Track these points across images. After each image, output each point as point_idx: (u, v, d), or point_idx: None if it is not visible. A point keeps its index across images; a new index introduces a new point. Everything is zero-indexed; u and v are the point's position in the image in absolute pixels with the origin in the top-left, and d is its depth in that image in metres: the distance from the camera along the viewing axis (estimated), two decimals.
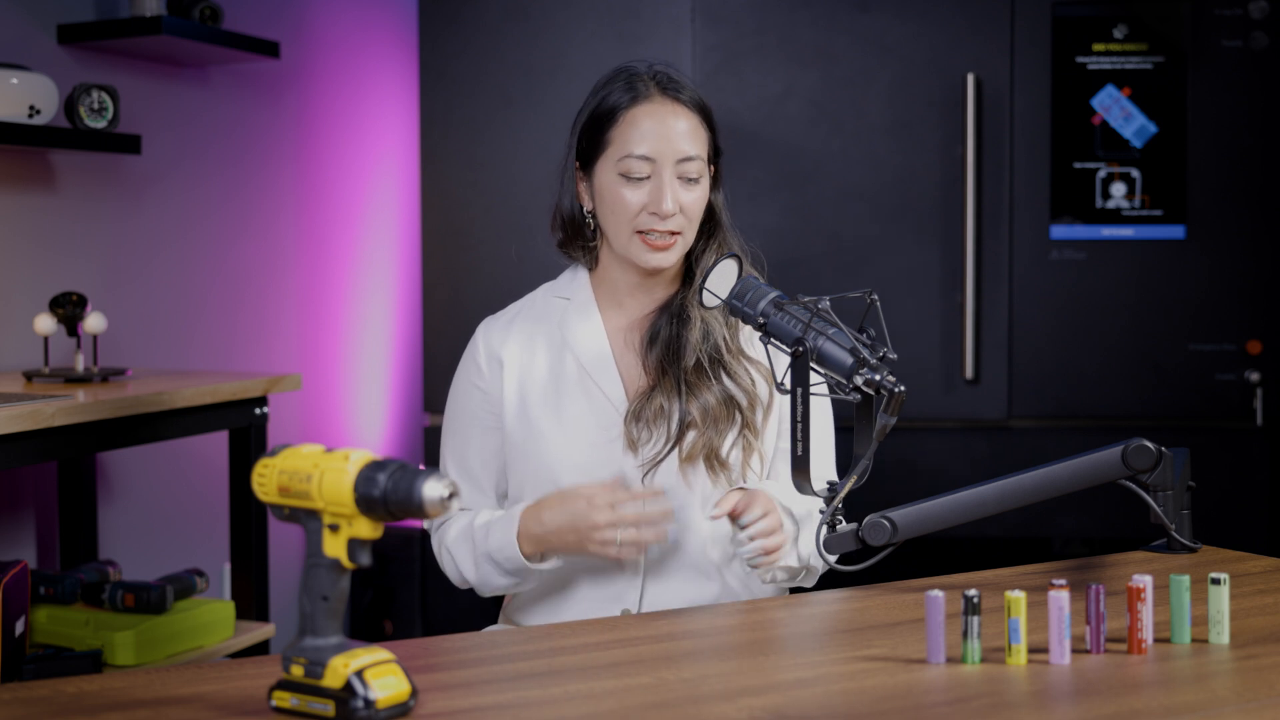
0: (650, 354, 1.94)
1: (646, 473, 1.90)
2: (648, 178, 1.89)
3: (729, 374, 1.93)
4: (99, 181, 3.16)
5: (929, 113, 3.59)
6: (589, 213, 1.97)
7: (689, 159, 1.89)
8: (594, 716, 1.24)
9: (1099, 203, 3.58)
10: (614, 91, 1.93)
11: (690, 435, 1.90)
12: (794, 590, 1.95)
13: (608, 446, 1.91)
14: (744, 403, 1.92)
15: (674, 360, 1.92)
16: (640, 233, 1.89)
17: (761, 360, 1.96)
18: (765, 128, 3.58)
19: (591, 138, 1.94)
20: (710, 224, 1.97)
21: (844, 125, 3.60)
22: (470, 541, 1.92)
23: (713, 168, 1.98)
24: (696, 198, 1.91)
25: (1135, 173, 3.57)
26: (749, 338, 1.99)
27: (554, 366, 1.95)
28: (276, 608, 3.50)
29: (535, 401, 1.94)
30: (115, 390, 2.63)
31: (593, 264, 2.00)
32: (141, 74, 3.25)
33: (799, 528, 1.86)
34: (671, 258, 1.91)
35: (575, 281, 2.00)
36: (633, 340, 1.97)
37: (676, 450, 1.89)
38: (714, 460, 1.90)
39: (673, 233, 1.89)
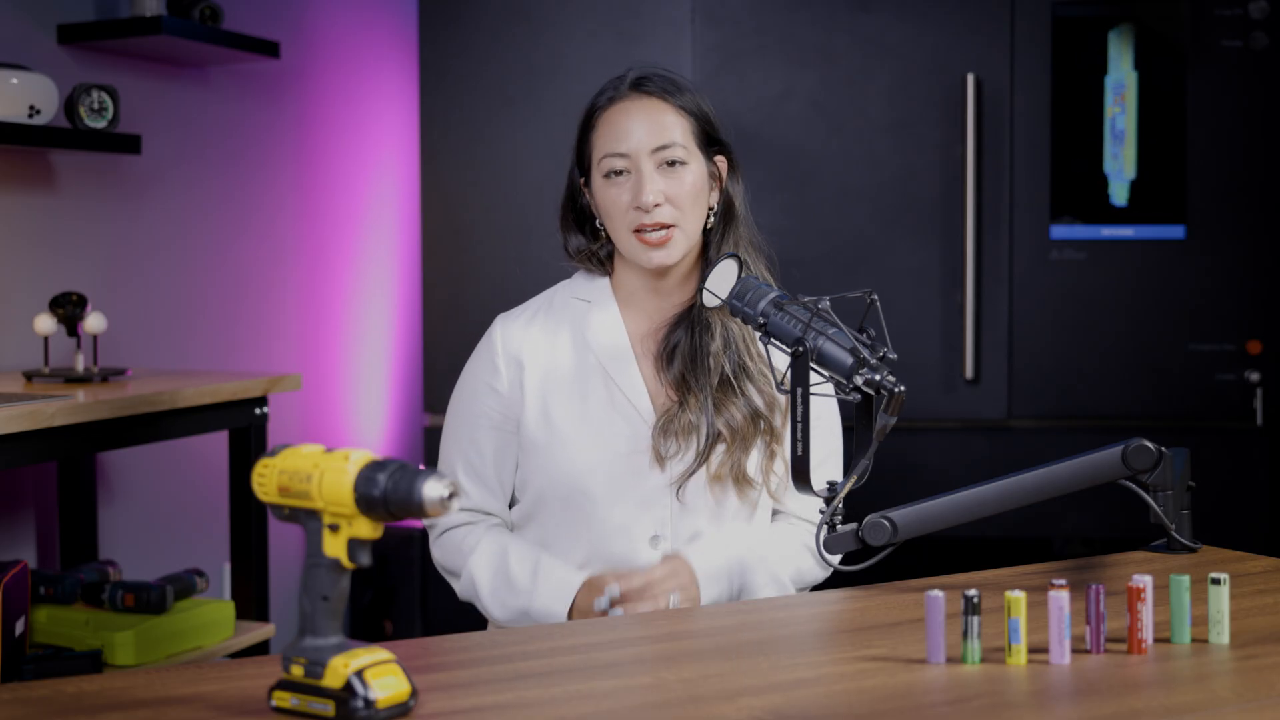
0: (671, 366, 1.93)
1: (678, 489, 1.90)
2: (628, 173, 1.89)
3: (753, 382, 1.92)
4: (99, 181, 3.16)
5: (929, 113, 3.59)
6: (599, 224, 1.97)
7: (665, 146, 1.89)
8: (594, 716, 1.24)
9: (1099, 202, 3.58)
10: (594, 100, 1.95)
11: (719, 452, 1.89)
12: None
13: (634, 459, 1.90)
14: (767, 413, 1.92)
15: (699, 373, 1.91)
16: (636, 231, 1.89)
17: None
18: (765, 128, 3.58)
19: (580, 148, 1.96)
20: (728, 216, 1.97)
21: (844, 125, 3.60)
22: (504, 577, 1.90)
23: (723, 160, 1.97)
24: (684, 184, 1.89)
25: (1135, 173, 3.57)
26: (752, 336, 1.98)
27: (577, 367, 1.94)
28: (276, 608, 3.50)
29: (557, 404, 1.93)
30: (115, 390, 2.63)
31: (609, 270, 2.00)
32: (141, 74, 3.25)
33: (752, 570, 1.90)
34: (673, 253, 1.89)
35: (595, 285, 1.99)
36: (650, 347, 1.96)
37: (705, 467, 1.89)
38: (741, 478, 1.90)
39: (665, 225, 1.88)
